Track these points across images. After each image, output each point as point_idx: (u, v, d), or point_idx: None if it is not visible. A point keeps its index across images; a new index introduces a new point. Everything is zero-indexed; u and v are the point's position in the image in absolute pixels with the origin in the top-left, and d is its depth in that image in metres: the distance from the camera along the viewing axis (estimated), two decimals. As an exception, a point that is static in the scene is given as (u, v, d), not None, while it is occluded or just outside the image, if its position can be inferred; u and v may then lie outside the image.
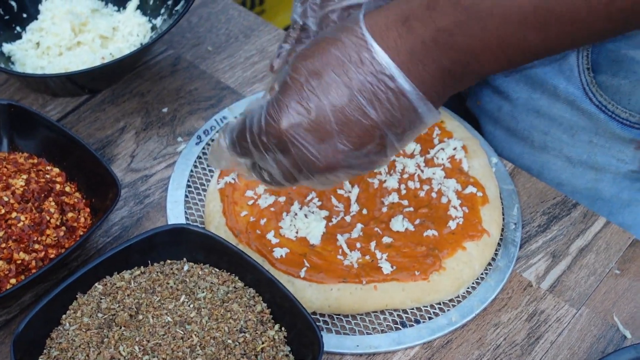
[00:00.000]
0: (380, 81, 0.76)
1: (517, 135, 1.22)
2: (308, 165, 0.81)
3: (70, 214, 1.02)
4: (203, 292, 0.93)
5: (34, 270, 0.97)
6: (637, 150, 1.15)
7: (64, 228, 1.00)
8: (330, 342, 0.97)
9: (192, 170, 1.12)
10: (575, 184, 1.19)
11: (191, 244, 0.96)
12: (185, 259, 0.96)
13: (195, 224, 1.07)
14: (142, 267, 0.95)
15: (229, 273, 0.95)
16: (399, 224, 1.03)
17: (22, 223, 0.97)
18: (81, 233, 1.01)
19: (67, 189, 1.04)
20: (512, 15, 0.73)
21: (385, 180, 1.09)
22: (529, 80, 1.18)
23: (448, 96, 0.81)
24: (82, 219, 1.02)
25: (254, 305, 0.92)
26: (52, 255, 0.98)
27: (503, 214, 1.10)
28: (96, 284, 0.93)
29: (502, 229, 1.08)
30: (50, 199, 1.01)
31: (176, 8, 1.21)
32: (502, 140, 1.24)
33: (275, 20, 2.51)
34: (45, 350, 0.89)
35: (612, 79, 1.10)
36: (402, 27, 0.76)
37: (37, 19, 1.24)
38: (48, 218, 0.99)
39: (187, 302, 0.92)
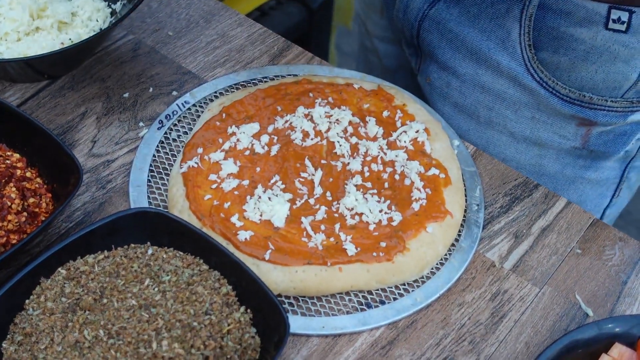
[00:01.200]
0: None
1: (465, 111, 1.25)
2: None
3: (31, 200, 1.00)
4: (168, 275, 0.92)
5: (-5, 257, 0.96)
6: (578, 127, 1.18)
7: (25, 214, 0.99)
8: (296, 323, 0.97)
9: (154, 155, 1.12)
10: (520, 160, 1.22)
11: (155, 228, 0.95)
12: (149, 243, 0.96)
13: (159, 208, 1.06)
14: (105, 251, 0.95)
15: (193, 256, 0.95)
16: (350, 198, 1.04)
17: (-18, 209, 0.96)
18: (43, 218, 1.00)
19: (28, 174, 1.03)
20: None
21: (348, 163, 1.09)
22: (474, 56, 1.21)
23: None
24: (44, 205, 1.01)
25: (219, 288, 0.92)
26: (14, 241, 0.97)
27: (466, 196, 1.10)
28: (59, 269, 0.92)
29: (465, 211, 1.09)
30: (11, 184, 1.00)
31: (136, -7, 1.21)
32: (451, 116, 1.27)
33: (237, 7, 2.50)
34: (8, 336, 0.88)
35: (552, 55, 1.14)
36: None
37: (-6, 4, 1.23)
38: (9, 204, 0.98)
39: (152, 285, 0.91)
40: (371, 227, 1.02)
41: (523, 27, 1.13)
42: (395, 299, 1.01)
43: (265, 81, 1.22)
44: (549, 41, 1.13)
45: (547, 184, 1.23)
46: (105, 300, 0.89)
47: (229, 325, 0.89)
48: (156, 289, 0.91)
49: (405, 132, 1.12)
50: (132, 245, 0.96)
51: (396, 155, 1.10)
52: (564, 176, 1.25)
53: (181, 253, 0.95)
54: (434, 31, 1.26)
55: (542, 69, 1.15)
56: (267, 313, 0.89)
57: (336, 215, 1.04)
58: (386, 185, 1.07)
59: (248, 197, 1.04)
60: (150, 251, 0.95)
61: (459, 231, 1.07)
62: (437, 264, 1.04)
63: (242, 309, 0.91)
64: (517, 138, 1.22)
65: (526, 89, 1.18)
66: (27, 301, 0.90)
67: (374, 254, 1.00)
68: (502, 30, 1.17)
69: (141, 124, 1.16)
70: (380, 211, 1.04)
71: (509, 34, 1.16)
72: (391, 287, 1.02)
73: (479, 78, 1.22)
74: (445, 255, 1.05)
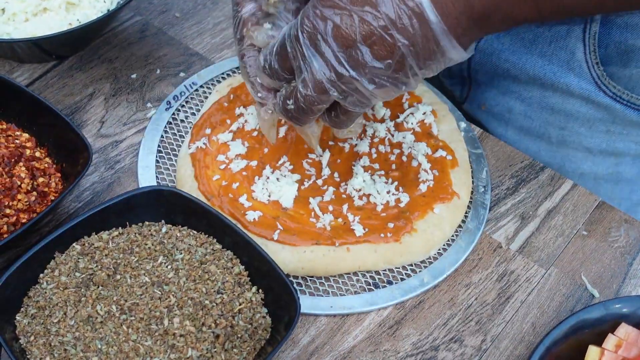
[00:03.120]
0: (409, 7, 0.77)
1: (532, 134, 1.23)
2: (334, 70, 0.82)
3: (41, 179, 1.01)
4: (181, 253, 0.93)
5: (5, 235, 0.96)
6: None
7: (35, 193, 0.99)
8: (305, 303, 0.97)
9: (162, 136, 1.12)
10: (597, 172, 1.20)
11: (170, 206, 0.96)
12: (163, 221, 0.96)
13: (167, 188, 1.07)
14: (120, 228, 0.95)
15: (207, 235, 0.96)
16: (358, 179, 1.04)
17: (-8, 188, 0.97)
18: (52, 198, 1.01)
19: (38, 154, 1.04)
20: None
21: (356, 145, 1.10)
22: (537, 80, 1.18)
23: (477, 38, 0.82)
24: (53, 184, 1.02)
25: (232, 267, 0.93)
26: (24, 220, 0.97)
27: (472, 177, 1.11)
28: (74, 244, 0.93)
29: (472, 192, 1.10)
30: (21, 164, 1.01)
31: (144, -27, 1.21)
32: (516, 140, 1.24)
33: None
34: (22, 309, 0.89)
35: (622, 70, 1.11)
36: None
37: (1, -16, 1.23)
38: (19, 183, 0.99)
39: (165, 263, 0.92)
40: (379, 208, 1.03)
41: (588, 46, 1.10)
42: (402, 279, 1.01)
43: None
44: (617, 56, 1.10)
45: (624, 188, 1.21)
46: (118, 277, 0.90)
47: (240, 304, 0.90)
48: (169, 267, 0.91)
49: (412, 114, 1.13)
50: (147, 222, 0.96)
51: (403, 137, 1.10)
52: None
53: (195, 232, 0.96)
54: (487, 63, 1.22)
55: (614, 84, 1.12)
56: (278, 293, 0.90)
57: (344, 196, 1.04)
58: (394, 166, 1.08)
59: (256, 177, 1.05)
60: (164, 229, 0.95)
61: (466, 212, 1.08)
62: (444, 245, 1.05)
63: (254, 288, 0.92)
64: (594, 152, 1.20)
65: (600, 106, 1.14)
66: (41, 275, 0.91)
67: (382, 234, 1.00)
68: (565, 52, 1.13)
69: (149, 104, 1.16)
70: (388, 192, 1.04)
71: (574, 54, 1.13)
72: (398, 268, 1.02)
73: (547, 100, 1.18)
74: (452, 236, 1.06)
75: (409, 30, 0.78)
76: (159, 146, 1.11)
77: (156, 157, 1.10)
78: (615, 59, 1.10)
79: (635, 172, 1.22)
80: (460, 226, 1.07)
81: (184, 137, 1.12)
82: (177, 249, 0.93)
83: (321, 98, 0.85)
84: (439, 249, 1.04)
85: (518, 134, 1.23)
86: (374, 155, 1.09)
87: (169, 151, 1.11)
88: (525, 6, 0.79)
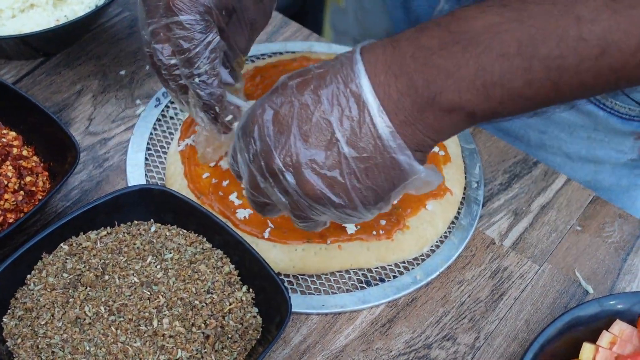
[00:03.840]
0: (360, 120, 0.72)
1: (511, 135, 1.21)
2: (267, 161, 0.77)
3: (28, 178, 1.00)
4: (170, 253, 0.92)
5: (-8, 235, 0.95)
6: (636, 140, 1.15)
7: (22, 192, 0.98)
8: (296, 302, 0.96)
9: (151, 133, 1.11)
10: (575, 178, 1.18)
11: (159, 205, 0.95)
12: (152, 220, 0.95)
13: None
14: (108, 227, 0.94)
15: (196, 234, 0.94)
16: None
17: (-21, 187, 0.95)
18: (40, 197, 0.99)
19: (25, 152, 1.02)
20: (494, 47, 0.68)
21: (347, 141, 1.08)
22: None
23: (432, 147, 0.75)
24: (41, 183, 1.00)
25: (222, 267, 0.92)
26: (11, 220, 0.96)
27: (465, 173, 1.10)
28: (62, 244, 0.92)
29: (465, 188, 1.09)
30: (8, 163, 0.99)
31: (132, -32, 1.19)
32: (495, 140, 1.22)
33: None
34: (9, 311, 0.88)
35: None
36: (389, 45, 0.73)
37: (-13, -20, 1.21)
38: (5, 182, 0.97)
39: (154, 262, 0.91)
40: (371, 205, 1.02)
41: None
42: (395, 276, 1.00)
43: (263, 59, 1.21)
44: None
45: (602, 196, 1.19)
46: (107, 277, 0.89)
47: (230, 304, 0.88)
48: (158, 267, 0.90)
49: (404, 109, 1.11)
50: (135, 222, 0.95)
51: (395, 133, 1.09)
52: (619, 187, 1.22)
53: (184, 231, 0.95)
54: None
55: None
56: (269, 293, 0.89)
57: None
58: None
59: (247, 175, 1.04)
60: (153, 228, 0.94)
61: (459, 209, 1.07)
62: (436, 242, 1.04)
63: (244, 288, 0.91)
64: (573, 158, 1.19)
65: (582, 112, 1.13)
66: (28, 276, 0.90)
67: (374, 232, 0.99)
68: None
69: (138, 101, 1.15)
70: (380, 189, 1.03)
71: None
72: (391, 265, 1.01)
73: None
74: (445, 232, 1.05)
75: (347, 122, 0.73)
76: (148, 144, 1.10)
77: (145, 154, 1.08)
78: None
79: (613, 181, 1.21)
80: (452, 222, 1.06)
81: (173, 135, 1.11)
82: (166, 249, 0.92)
83: (262, 194, 0.81)
84: (432, 246, 1.03)
85: (497, 134, 1.21)
86: (366, 152, 1.08)
87: (159, 149, 1.09)
88: (472, 88, 0.70)
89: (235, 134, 0.80)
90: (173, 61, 0.87)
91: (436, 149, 1.08)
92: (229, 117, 0.90)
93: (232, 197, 1.01)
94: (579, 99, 0.73)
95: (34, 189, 0.99)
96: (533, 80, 0.69)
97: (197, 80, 0.86)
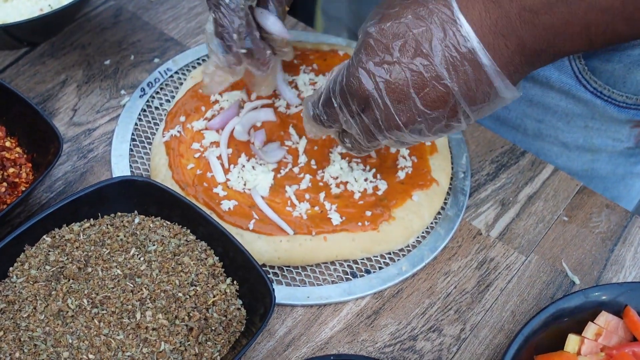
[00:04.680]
0: (460, 53, 0.77)
1: (508, 124, 1.21)
2: (388, 122, 0.82)
3: (11, 170, 0.99)
4: (154, 245, 0.91)
5: (-25, 228, 0.94)
6: (632, 128, 1.14)
7: (5, 184, 0.97)
8: (281, 294, 0.96)
9: (136, 124, 1.10)
10: (572, 167, 1.18)
11: (142, 197, 0.94)
12: (136, 212, 0.95)
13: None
14: (91, 219, 0.93)
15: (180, 226, 0.94)
16: (335, 167, 1.03)
17: (-39, 179, 0.95)
18: (23, 189, 0.98)
19: (8, 144, 1.01)
20: (601, 2, 0.74)
21: (333, 131, 1.08)
22: None
23: (526, 74, 0.81)
24: (24, 175, 1.00)
25: (206, 259, 0.91)
26: (-6, 212, 0.95)
27: (452, 163, 1.09)
28: (44, 236, 0.91)
29: (451, 178, 1.08)
30: (-10, 154, 0.99)
31: (116, -43, 1.18)
32: (491, 129, 1.21)
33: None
34: (-10, 304, 0.87)
35: (605, 64, 1.08)
36: (490, 2, 0.77)
37: (-30, -31, 1.20)
38: (-12, 174, 0.97)
39: (138, 255, 0.90)
40: (356, 196, 1.01)
41: None
42: (380, 268, 1.00)
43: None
44: (599, 50, 1.08)
45: (598, 184, 1.19)
46: (89, 269, 0.88)
47: (214, 296, 0.88)
48: (142, 259, 0.90)
49: (390, 99, 1.11)
50: (119, 213, 0.94)
51: (382, 123, 1.08)
52: (615, 175, 1.21)
53: (168, 223, 0.94)
54: None
55: (596, 79, 1.10)
56: (253, 285, 0.88)
57: (321, 184, 1.03)
58: (372, 153, 1.06)
59: (231, 166, 1.03)
60: (137, 220, 0.94)
61: (445, 199, 1.06)
62: (422, 233, 1.03)
63: (228, 280, 0.90)
64: (570, 147, 1.18)
65: (580, 101, 1.12)
66: (10, 269, 0.89)
67: (359, 223, 0.99)
68: None
69: (123, 92, 1.14)
70: (366, 180, 1.03)
71: None
72: (377, 257, 1.01)
73: (526, 92, 1.16)
74: (431, 223, 1.04)
75: (462, 76, 0.78)
76: (132, 134, 1.09)
77: (130, 145, 1.08)
78: (598, 53, 1.08)
79: (610, 169, 1.20)
80: (439, 213, 1.05)
81: (158, 125, 1.10)
82: (149, 241, 0.91)
83: (373, 144, 0.87)
84: (418, 237, 1.03)
85: (494, 123, 1.21)
86: (352, 142, 1.07)
87: (143, 139, 1.09)
88: (578, 40, 0.78)
89: (329, 88, 0.85)
90: None
91: (422, 139, 1.07)
92: (268, 53, 0.95)
93: (217, 189, 1.00)
94: None
95: (17, 180, 0.99)
96: (635, 20, 0.75)
97: (222, 3, 0.91)
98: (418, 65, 0.78)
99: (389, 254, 1.01)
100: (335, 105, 0.85)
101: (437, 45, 0.77)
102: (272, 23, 0.94)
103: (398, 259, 1.01)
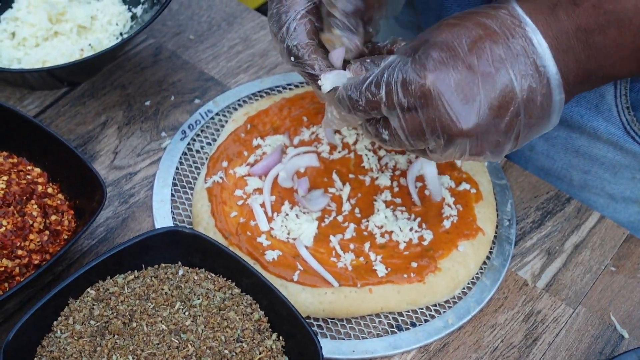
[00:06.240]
0: (530, 57, 0.77)
1: (553, 174, 1.19)
2: (444, 125, 0.78)
3: (53, 217, 0.98)
4: (199, 298, 0.90)
5: (17, 277, 0.93)
6: None
7: (47, 232, 0.96)
8: (326, 347, 0.94)
9: (177, 168, 1.09)
10: (619, 219, 1.15)
11: (186, 247, 0.93)
12: (180, 263, 0.93)
13: (183, 224, 1.04)
14: (135, 271, 0.92)
15: (225, 278, 0.92)
16: (380, 216, 1.01)
17: (4, 228, 0.93)
18: (65, 237, 0.97)
19: (50, 190, 1.00)
20: None
21: (377, 178, 1.06)
22: (564, 122, 1.13)
23: (570, 97, 0.81)
24: (66, 222, 0.99)
25: (251, 314, 0.90)
26: (36, 261, 0.94)
27: (497, 211, 1.08)
28: (88, 289, 0.90)
29: (497, 226, 1.06)
30: (33, 201, 0.98)
31: (157, -3, 1.17)
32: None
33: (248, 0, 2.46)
34: (36, 359, 0.86)
35: None
36: (549, 13, 0.78)
37: (11, 7, 1.19)
38: (31, 222, 0.96)
39: (183, 309, 0.89)
40: (401, 246, 1.00)
41: (619, 89, 1.05)
42: (426, 320, 0.98)
43: (290, 89, 1.19)
44: None
45: None
46: (134, 324, 0.87)
47: (260, 353, 0.87)
48: (187, 313, 0.88)
49: (434, 144, 1.09)
50: (163, 265, 0.93)
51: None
52: None
53: (213, 275, 0.93)
54: None
55: None
56: (300, 340, 0.87)
57: (365, 233, 1.01)
58: (416, 201, 1.04)
59: (275, 214, 1.02)
60: (181, 272, 0.92)
61: (491, 248, 1.05)
62: (468, 283, 1.02)
63: (274, 336, 0.89)
64: (616, 199, 1.16)
65: (628, 152, 1.10)
66: (55, 323, 0.88)
67: (405, 274, 0.97)
68: (594, 95, 1.08)
69: (163, 134, 1.13)
70: (411, 229, 1.01)
71: (603, 98, 1.08)
72: (422, 308, 0.99)
73: (572, 142, 1.14)
74: (477, 273, 1.02)
75: (528, 84, 0.77)
76: (174, 179, 1.08)
77: (171, 190, 1.07)
78: None
79: None
80: (484, 263, 1.03)
81: (199, 169, 1.09)
82: (194, 294, 0.90)
83: (417, 144, 0.82)
84: (464, 288, 1.01)
85: (539, 173, 1.18)
86: (396, 189, 1.05)
87: (185, 184, 1.07)
88: (627, 64, 0.78)
89: (381, 74, 0.80)
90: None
91: (467, 186, 1.06)
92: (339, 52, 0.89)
93: (261, 238, 0.99)
94: None
95: (59, 228, 0.98)
96: None
97: (292, 59, 0.88)
98: (489, 67, 0.77)
99: (435, 305, 1.00)
100: (383, 94, 0.80)
101: (509, 48, 0.77)
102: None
103: (444, 311, 0.99)
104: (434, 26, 0.80)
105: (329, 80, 0.85)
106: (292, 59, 0.87)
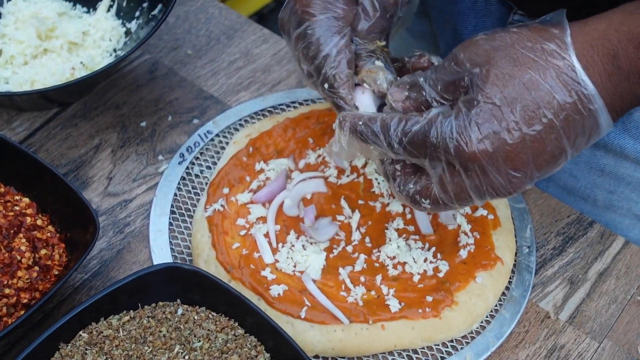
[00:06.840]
0: (582, 114, 0.74)
1: (576, 194, 1.14)
2: (493, 190, 0.76)
3: (43, 251, 0.92)
4: (199, 341, 0.84)
5: (5, 318, 0.87)
6: None
7: (37, 268, 0.90)
8: (336, 389, 0.88)
9: (175, 194, 1.03)
10: None
11: (186, 284, 0.87)
12: (179, 301, 0.87)
13: (182, 256, 0.97)
14: (131, 311, 0.86)
15: (227, 318, 0.86)
16: (392, 245, 0.95)
17: (-10, 265, 0.87)
18: (56, 272, 0.91)
19: (39, 222, 0.94)
20: None
21: (388, 204, 1.00)
22: None
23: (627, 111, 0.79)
24: (57, 256, 0.92)
25: (256, 357, 0.83)
26: (25, 300, 0.88)
27: (515, 237, 1.01)
28: (81, 332, 0.84)
29: (516, 254, 1.00)
30: (21, 235, 0.91)
31: (153, 12, 1.10)
32: (558, 198, 1.13)
33: (240, 7, 2.40)
34: (25, 411, 0.80)
35: None
36: (611, 64, 0.75)
37: (-2, 23, 1.13)
38: (19, 258, 0.90)
39: (182, 353, 0.83)
40: (415, 279, 0.94)
41: None
42: (442, 357, 0.92)
43: (295, 107, 1.12)
44: None
45: None
46: (130, 372, 0.81)
47: (266, 400, 0.80)
48: (187, 358, 0.82)
49: (448, 167, 1.03)
50: (161, 303, 0.87)
51: (440, 194, 1.01)
52: None
53: (214, 314, 0.86)
54: None
55: None
56: (308, 385, 0.81)
57: (377, 264, 0.95)
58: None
59: (280, 244, 0.95)
60: (180, 311, 0.86)
61: (510, 277, 0.98)
62: (487, 317, 0.95)
63: (281, 381, 0.83)
64: None
65: None
66: (45, 371, 0.82)
67: (420, 309, 0.91)
68: None
69: (160, 157, 1.06)
70: (425, 260, 0.95)
71: (630, 115, 1.04)
72: (438, 345, 0.93)
73: (597, 161, 1.10)
74: (496, 306, 0.96)
75: (575, 137, 0.75)
76: (172, 206, 1.01)
77: (169, 218, 1.00)
78: None
79: None
80: (503, 294, 0.97)
81: (199, 195, 1.02)
82: (195, 336, 0.84)
83: (460, 204, 0.79)
84: (482, 322, 0.95)
85: (560, 193, 1.13)
86: (408, 216, 0.99)
87: (184, 212, 1.01)
88: None
89: (419, 131, 0.77)
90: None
91: (484, 212, 0.99)
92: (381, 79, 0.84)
93: (265, 271, 0.93)
94: None
95: (49, 263, 0.91)
96: None
97: (325, 86, 0.84)
98: (540, 131, 0.73)
99: (452, 341, 0.93)
100: (428, 152, 0.77)
101: (558, 108, 0.74)
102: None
103: (461, 347, 0.93)
104: (480, 57, 0.76)
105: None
106: (327, 86, 0.83)
